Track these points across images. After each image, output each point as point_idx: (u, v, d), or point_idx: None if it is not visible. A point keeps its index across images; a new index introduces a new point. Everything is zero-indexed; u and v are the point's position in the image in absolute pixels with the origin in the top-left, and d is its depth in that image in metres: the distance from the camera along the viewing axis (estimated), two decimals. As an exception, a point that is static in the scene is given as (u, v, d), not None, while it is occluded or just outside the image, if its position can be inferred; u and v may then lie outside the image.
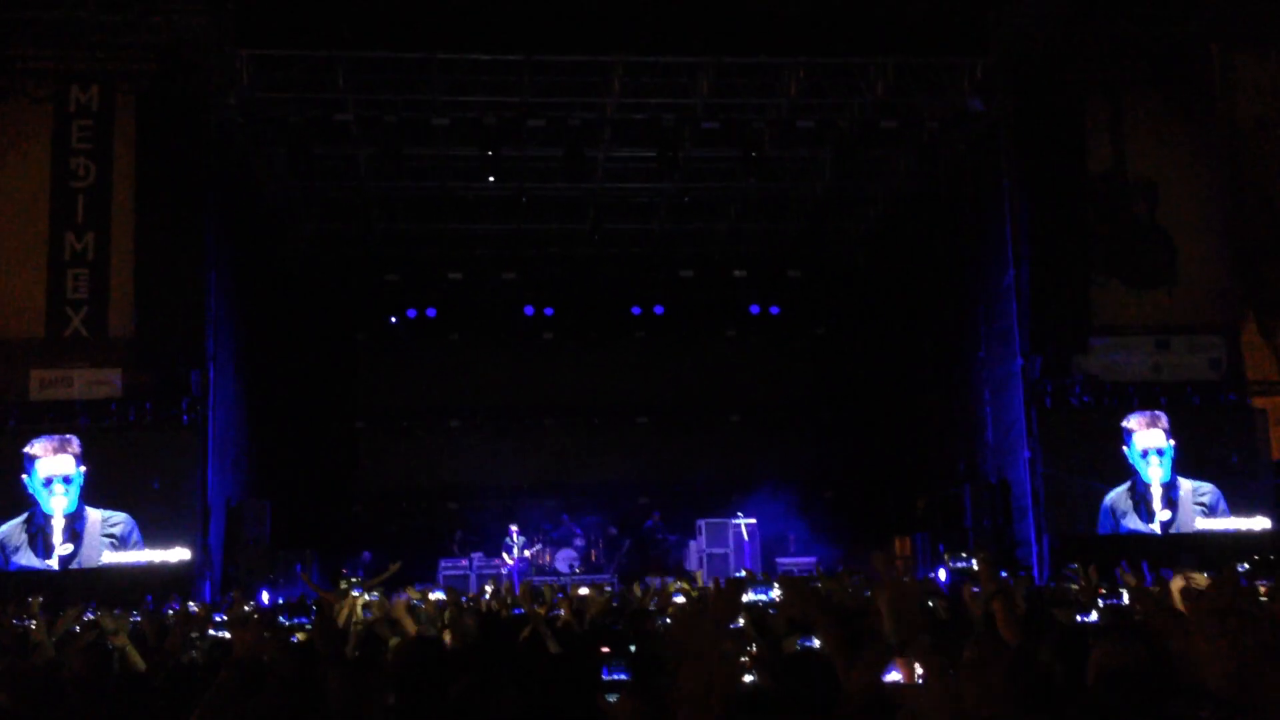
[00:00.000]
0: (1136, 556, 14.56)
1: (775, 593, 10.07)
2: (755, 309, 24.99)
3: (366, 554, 19.95)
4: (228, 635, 7.59)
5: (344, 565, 18.72)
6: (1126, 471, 17.44)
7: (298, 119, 17.57)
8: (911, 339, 22.35)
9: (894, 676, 3.76)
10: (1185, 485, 17.44)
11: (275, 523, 18.30)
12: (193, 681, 5.40)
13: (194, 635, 7.96)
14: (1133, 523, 17.28)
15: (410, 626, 6.99)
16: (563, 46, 16.97)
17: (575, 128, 18.08)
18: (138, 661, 5.48)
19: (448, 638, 7.20)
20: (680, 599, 10.40)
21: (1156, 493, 17.40)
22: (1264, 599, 7.21)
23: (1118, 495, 17.33)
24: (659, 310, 24.68)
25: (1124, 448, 17.49)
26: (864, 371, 24.72)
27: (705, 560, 20.11)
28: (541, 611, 9.21)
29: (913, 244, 22.11)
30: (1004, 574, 12.15)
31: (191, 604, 12.66)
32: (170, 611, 11.64)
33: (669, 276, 24.43)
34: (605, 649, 6.20)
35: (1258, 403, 18.78)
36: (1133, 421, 17.56)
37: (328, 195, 21.58)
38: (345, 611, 7.10)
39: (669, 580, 13.91)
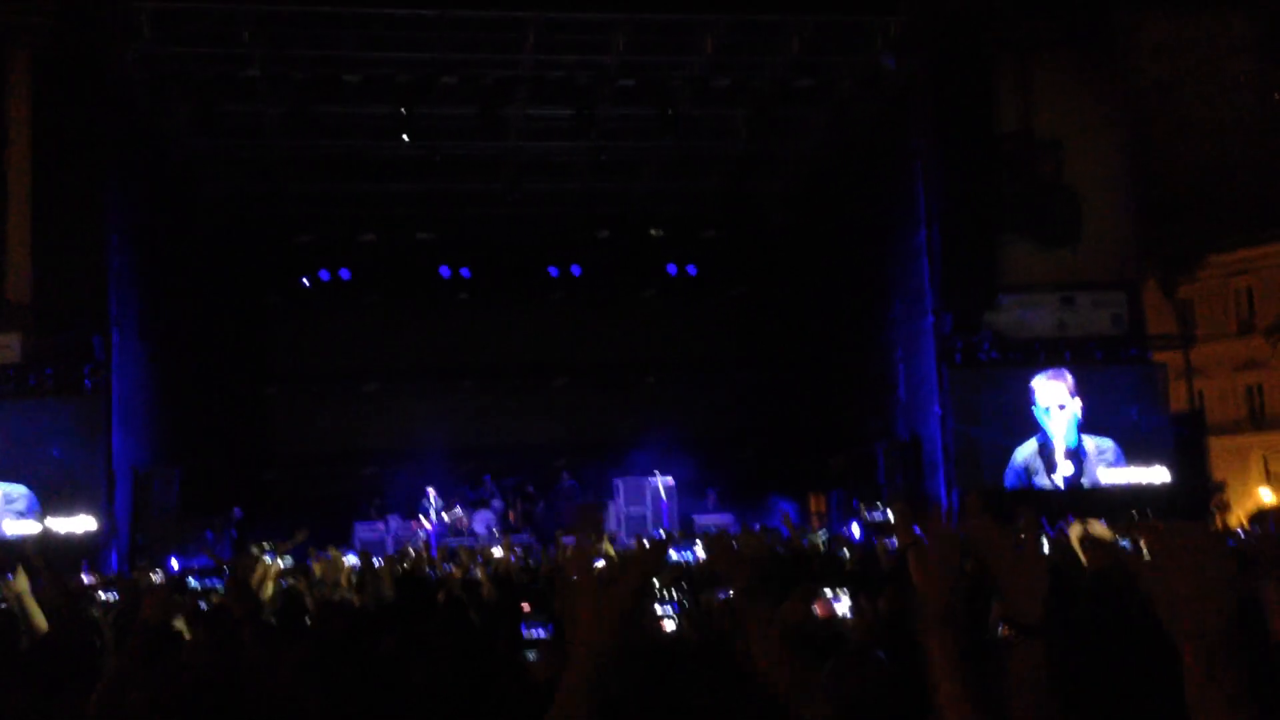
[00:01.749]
0: (1039, 510, 14.99)
1: (699, 550, 10.21)
2: (673, 269, 25.05)
3: (237, 510, 19.57)
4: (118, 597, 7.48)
5: (251, 531, 18.45)
6: (1034, 427, 17.85)
7: (203, 74, 17.12)
8: (828, 298, 22.58)
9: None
10: (1090, 443, 17.91)
11: (185, 490, 18.00)
12: (98, 641, 5.30)
13: (101, 598, 7.83)
14: (1042, 480, 17.72)
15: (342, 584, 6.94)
16: (477, 2, 16.72)
17: (490, 86, 17.88)
18: (39, 620, 5.36)
19: (357, 600, 7.17)
20: (599, 562, 10.45)
21: (1060, 448, 17.84)
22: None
23: (1029, 455, 17.73)
24: (576, 271, 24.63)
25: (1031, 407, 17.88)
26: (781, 331, 24.94)
27: (624, 520, 20.22)
28: (458, 574, 9.22)
29: (828, 203, 22.29)
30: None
31: (86, 576, 12.42)
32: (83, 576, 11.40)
33: (586, 237, 24.37)
34: (525, 606, 6.24)
35: (1158, 358, 19.36)
36: (1037, 380, 17.97)
37: (236, 154, 21.08)
38: (258, 576, 7.03)
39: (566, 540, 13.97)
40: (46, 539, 14.93)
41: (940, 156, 17.78)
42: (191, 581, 6.73)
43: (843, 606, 4.90)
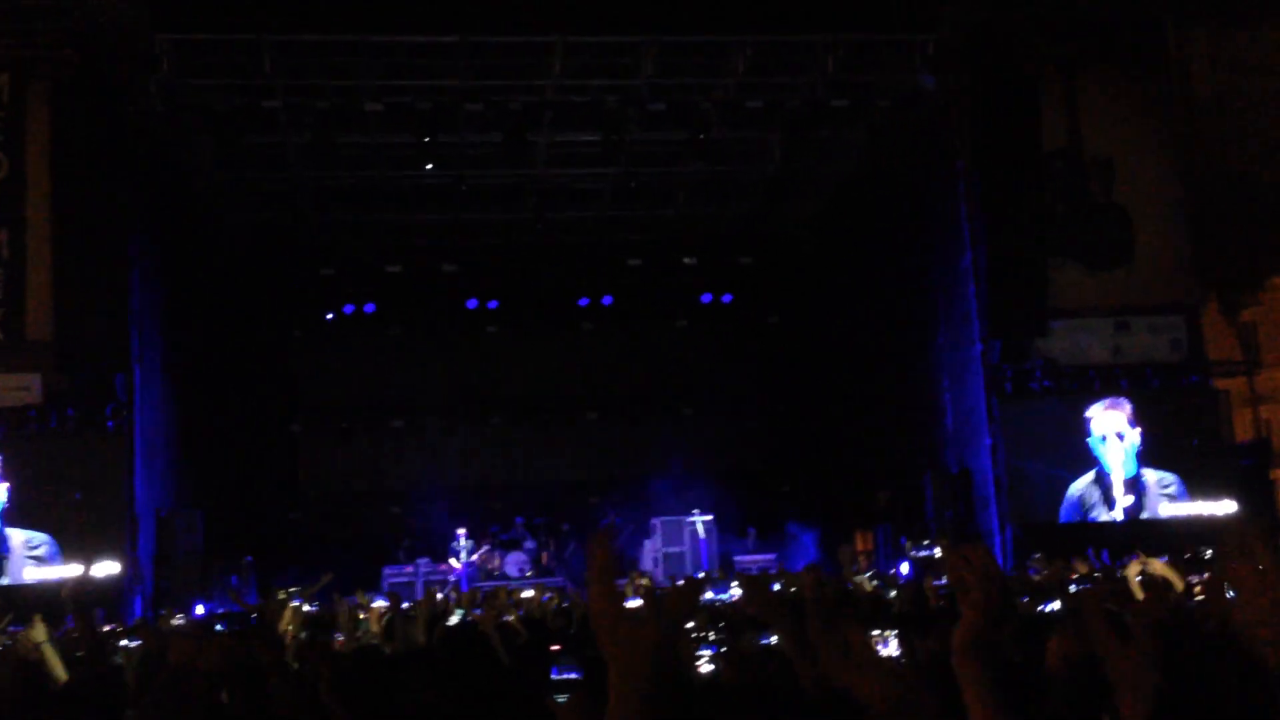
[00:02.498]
0: (1099, 545, 14.83)
1: (734, 591, 10.17)
2: (707, 297, 25.05)
3: (248, 558, 19.64)
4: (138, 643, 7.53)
5: (276, 575, 18.52)
6: (1090, 459, 17.67)
7: (223, 106, 17.35)
8: (868, 326, 22.48)
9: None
10: (1150, 476, 17.71)
11: (209, 532, 18.08)
12: (120, 690, 5.34)
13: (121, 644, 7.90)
14: (1100, 514, 17.53)
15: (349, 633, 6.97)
16: (500, 27, 16.87)
17: (515, 111, 18.00)
18: (58, 670, 5.41)
19: (388, 646, 7.19)
20: (635, 602, 10.43)
21: (1118, 478, 17.66)
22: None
23: (1085, 487, 17.55)
24: (607, 300, 24.68)
25: (1087, 437, 17.71)
26: (821, 360, 24.82)
27: (661, 559, 20.15)
28: (490, 616, 9.22)
29: (866, 227, 22.24)
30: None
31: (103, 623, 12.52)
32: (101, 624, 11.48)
33: (616, 265, 24.43)
34: (556, 647, 6.24)
35: (1220, 384, 19.14)
36: (1094, 409, 17.81)
37: (258, 186, 21.33)
38: (284, 622, 7.07)
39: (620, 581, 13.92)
40: (84, 584, 15.05)
41: (984, 176, 17.73)
42: (219, 627, 6.78)
43: (889, 650, 4.87)
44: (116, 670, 6.73)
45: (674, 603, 3.63)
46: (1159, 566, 7.61)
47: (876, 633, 4.94)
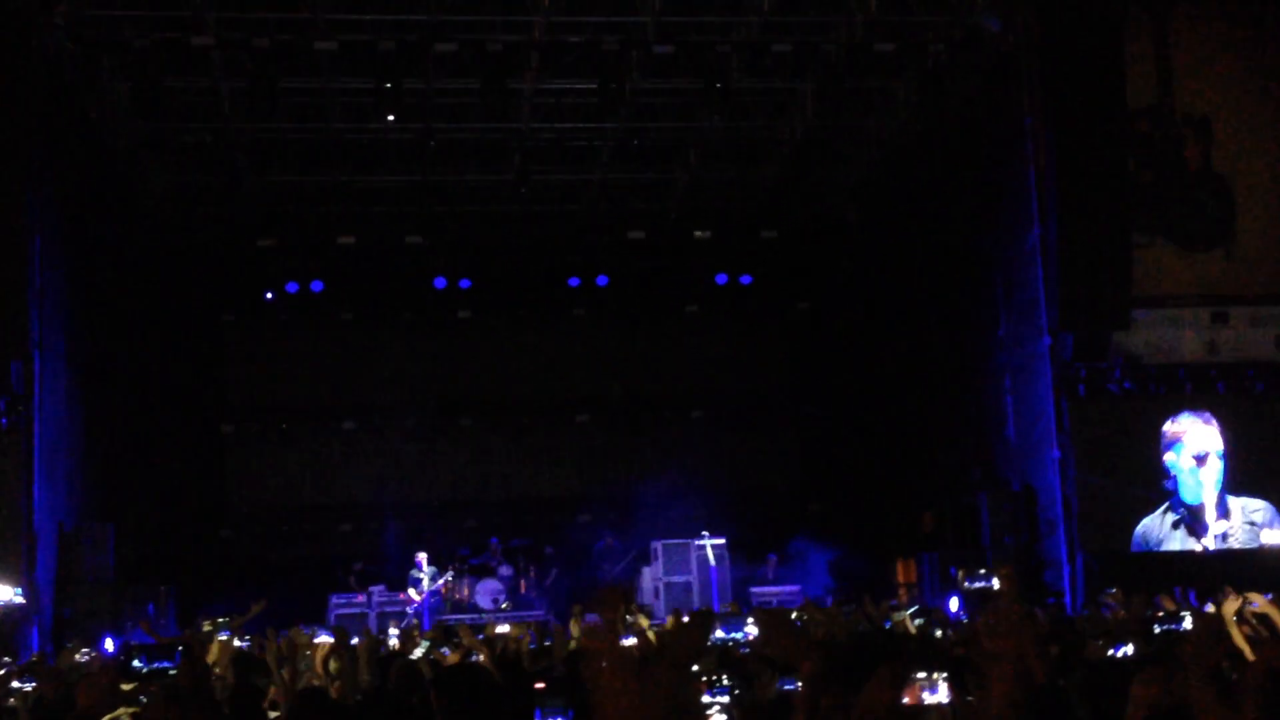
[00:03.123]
0: (1184, 579, 14.83)
1: (750, 630, 10.14)
2: (722, 279, 25.03)
3: (168, 583, 19.68)
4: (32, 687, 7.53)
5: (202, 606, 18.54)
6: (1167, 491, 17.69)
7: (143, 42, 17.31)
8: (914, 315, 22.49)
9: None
10: (1234, 502, 17.75)
11: (121, 552, 18.07)
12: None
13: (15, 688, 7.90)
14: (1181, 542, 17.54)
15: (283, 674, 6.97)
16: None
17: (495, 54, 17.97)
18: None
19: (334, 690, 7.19)
20: (630, 640, 10.44)
21: (1208, 503, 17.69)
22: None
23: (1151, 521, 17.60)
24: (602, 281, 24.67)
25: (1168, 455, 17.72)
26: (856, 355, 24.83)
27: (663, 590, 20.15)
28: (455, 658, 9.23)
29: (915, 198, 22.23)
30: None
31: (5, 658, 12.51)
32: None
33: (614, 239, 24.42)
34: (540, 685, 6.26)
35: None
36: (1181, 423, 17.81)
37: (184, 140, 21.31)
38: (211, 656, 7.07)
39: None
40: None
41: (1058, 138, 17.70)
42: (137, 663, 6.76)
43: (938, 695, 4.85)
44: (9, 716, 6.72)
45: (678, 642, 3.62)
46: (1263, 604, 7.60)
47: (923, 675, 4.93)
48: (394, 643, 13.12)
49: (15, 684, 8.40)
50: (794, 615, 10.69)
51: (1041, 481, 18.10)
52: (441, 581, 20.38)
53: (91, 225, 19.46)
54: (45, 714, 6.86)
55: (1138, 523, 17.57)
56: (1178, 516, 17.61)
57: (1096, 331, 17.90)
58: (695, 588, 20.12)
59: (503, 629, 12.63)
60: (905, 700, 4.86)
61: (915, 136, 21.64)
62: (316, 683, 7.83)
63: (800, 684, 6.52)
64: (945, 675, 4.88)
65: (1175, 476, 17.69)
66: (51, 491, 16.95)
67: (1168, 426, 17.80)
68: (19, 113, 16.40)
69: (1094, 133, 17.84)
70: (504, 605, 20.50)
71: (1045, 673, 5.50)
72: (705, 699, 6.42)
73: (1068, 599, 16.97)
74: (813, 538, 22.49)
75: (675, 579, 20.30)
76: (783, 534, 22.49)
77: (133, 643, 12.07)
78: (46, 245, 16.96)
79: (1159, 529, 17.61)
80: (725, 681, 6.81)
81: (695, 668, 6.26)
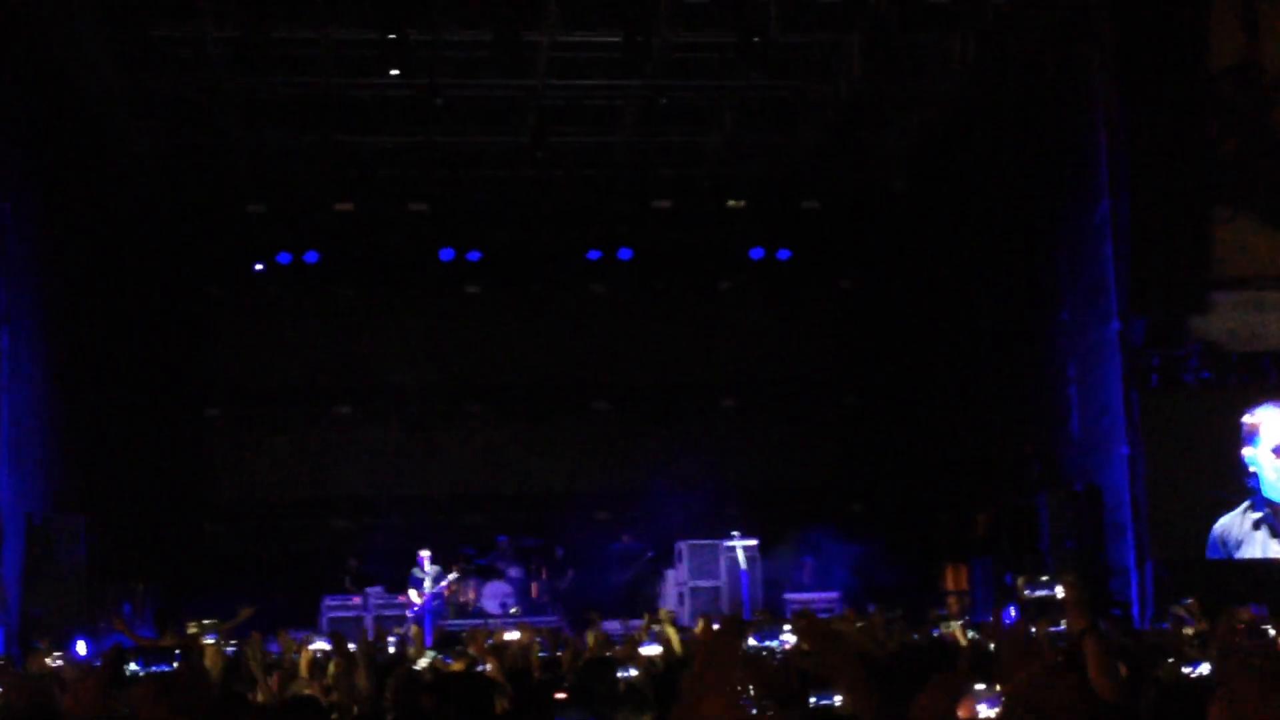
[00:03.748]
0: (1260, 593, 14.76)
1: (787, 638, 10.13)
2: (758, 253, 24.99)
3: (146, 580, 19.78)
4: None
5: (184, 606, 18.64)
6: (1248, 488, 17.58)
7: (124, -13, 17.35)
8: (968, 295, 22.43)
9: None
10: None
11: (95, 546, 18.16)
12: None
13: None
14: (1262, 548, 17.43)
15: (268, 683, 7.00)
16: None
17: (509, 2, 17.94)
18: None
19: (326, 699, 7.21)
20: (653, 648, 10.46)
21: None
22: None
23: (1229, 520, 17.48)
24: (625, 255, 24.66)
25: (1246, 449, 17.62)
26: (903, 339, 24.79)
27: (688, 595, 20.17)
28: (460, 666, 9.27)
29: (970, 166, 22.17)
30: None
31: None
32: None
33: (639, 209, 24.39)
34: (561, 696, 6.30)
35: None
36: (1260, 413, 17.70)
37: (169, 95, 21.33)
38: (208, 660, 7.11)
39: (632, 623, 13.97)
40: None
41: (1130, 101, 17.62)
42: (134, 667, 6.75)
43: (997, 709, 4.85)
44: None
45: (708, 651, 3.61)
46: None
47: (981, 687, 4.93)
48: (393, 649, 13.19)
49: None
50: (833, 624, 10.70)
51: (1108, 481, 18.03)
52: (445, 583, 20.42)
53: (67, 189, 19.53)
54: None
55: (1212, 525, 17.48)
56: (1260, 515, 17.48)
57: (1171, 315, 17.83)
58: (724, 593, 20.14)
59: (512, 636, 12.69)
60: (960, 714, 4.87)
61: (972, 99, 21.54)
62: (307, 691, 7.87)
63: (839, 698, 6.53)
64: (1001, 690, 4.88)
65: (1256, 473, 17.58)
66: (20, 479, 17.06)
67: (1246, 419, 17.69)
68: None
69: (1171, 95, 17.76)
70: (513, 610, 20.55)
71: (1112, 693, 5.48)
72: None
73: (1135, 610, 16.92)
74: (853, 540, 22.50)
75: (702, 583, 20.31)
76: (821, 535, 22.49)
77: (124, 645, 12.13)
78: (17, 210, 17.05)
79: (1238, 529, 17.50)
80: (751, 694, 6.82)
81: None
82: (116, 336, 21.77)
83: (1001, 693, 4.17)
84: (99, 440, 20.58)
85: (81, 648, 14.75)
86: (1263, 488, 17.60)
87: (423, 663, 9.27)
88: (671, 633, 10.81)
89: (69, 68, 19.52)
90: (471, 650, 10.98)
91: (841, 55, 20.79)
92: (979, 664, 7.62)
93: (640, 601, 21.05)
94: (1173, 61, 17.73)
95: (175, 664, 6.91)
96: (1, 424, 16.51)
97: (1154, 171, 17.57)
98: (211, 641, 8.73)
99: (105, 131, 21.71)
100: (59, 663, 11.32)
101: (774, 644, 9.92)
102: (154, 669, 7.56)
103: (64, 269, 19.27)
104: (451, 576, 20.61)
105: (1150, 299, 17.65)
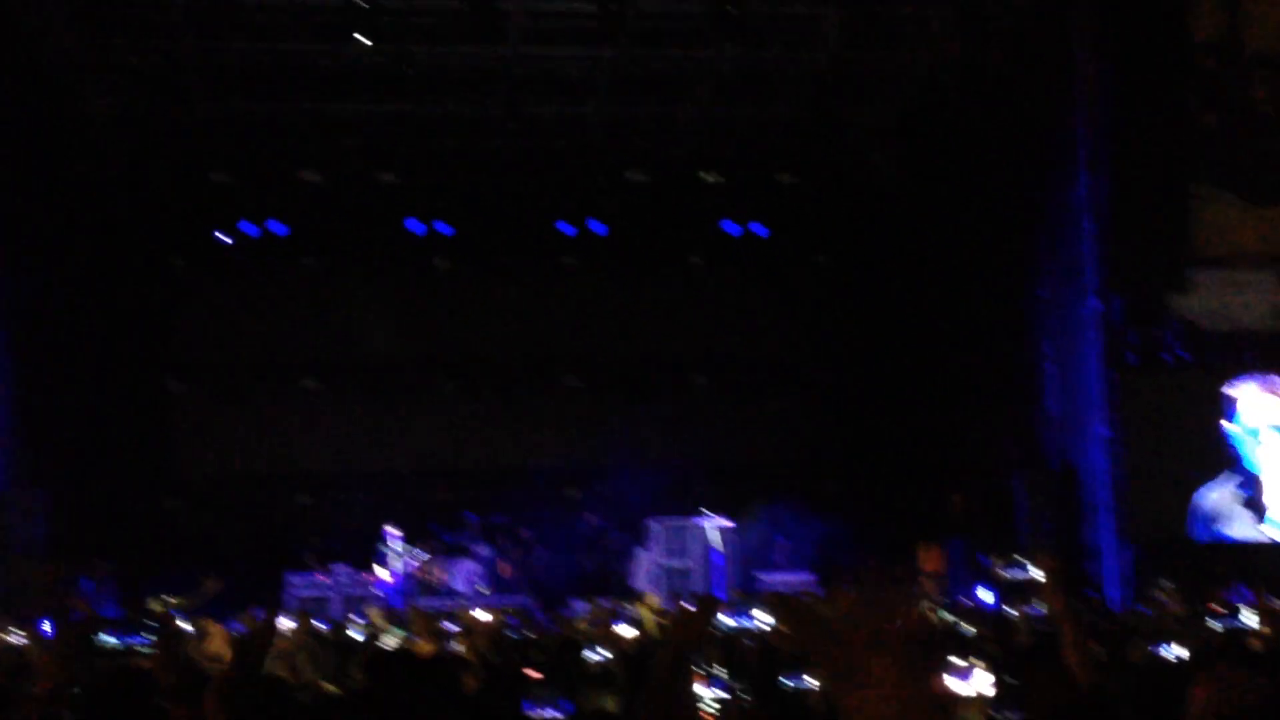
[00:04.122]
0: (1247, 572, 14.89)
1: (759, 618, 10.21)
2: (732, 228, 24.97)
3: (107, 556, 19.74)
4: None
5: (145, 582, 18.60)
6: (1229, 458, 17.68)
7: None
8: (945, 271, 22.47)
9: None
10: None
11: (55, 521, 18.10)
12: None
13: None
14: (1241, 529, 17.54)
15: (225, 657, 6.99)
16: None
17: (481, -32, 17.88)
18: None
19: (291, 677, 7.22)
20: (625, 629, 10.48)
21: (1274, 484, 17.68)
22: None
23: (1219, 495, 17.56)
24: (597, 228, 24.60)
25: (1227, 424, 17.72)
26: (879, 316, 24.84)
27: (661, 575, 20.20)
28: (427, 646, 9.28)
29: (949, 140, 22.19)
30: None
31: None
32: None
33: (612, 181, 24.35)
34: (536, 675, 6.32)
35: None
36: (1242, 389, 17.80)
37: (129, 59, 21.18)
38: (215, 648, 7.11)
39: (602, 602, 14.01)
40: None
41: (1110, 75, 17.65)
42: (106, 638, 6.73)
43: (973, 683, 4.88)
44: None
45: (681, 629, 3.63)
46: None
47: (959, 662, 4.97)
48: (360, 629, 13.20)
49: None
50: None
51: (1085, 460, 18.13)
52: (417, 564, 20.41)
53: (23, 155, 19.38)
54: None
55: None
56: (1246, 495, 17.58)
57: (1150, 293, 17.91)
58: (696, 574, 20.17)
59: (483, 616, 12.71)
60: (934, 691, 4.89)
61: (951, 72, 21.52)
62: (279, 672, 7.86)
63: (808, 678, 6.57)
64: (982, 663, 4.91)
65: (1240, 448, 17.68)
66: (-23, 453, 16.99)
67: (1226, 389, 17.77)
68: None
69: (1152, 69, 17.80)
70: (483, 589, 20.54)
71: (1088, 675, 5.52)
72: (701, 690, 6.46)
73: (1110, 592, 17.02)
74: (826, 519, 22.56)
75: (673, 563, 20.34)
76: (794, 514, 22.55)
77: (99, 615, 12.11)
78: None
79: (1227, 506, 17.57)
80: (723, 674, 6.85)
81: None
82: (76, 307, 21.65)
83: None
84: (58, 413, 20.48)
85: (47, 627, 14.73)
86: (1247, 460, 17.69)
87: (391, 642, 9.29)
88: (648, 615, 10.85)
89: (28, 31, 19.37)
90: (415, 632, 11.00)
91: (818, 26, 20.80)
92: (951, 645, 7.69)
93: (611, 580, 21.09)
94: (1154, 36, 17.76)
95: (152, 636, 6.91)
96: (-42, 396, 16.41)
97: (1133, 148, 17.63)
98: (183, 623, 8.70)
99: (65, 97, 21.54)
100: (21, 640, 11.31)
101: (746, 623, 9.99)
102: (131, 641, 7.55)
103: (22, 239, 19.13)
104: (424, 558, 20.60)
105: (1129, 277, 17.72)
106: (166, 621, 7.30)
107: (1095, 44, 17.84)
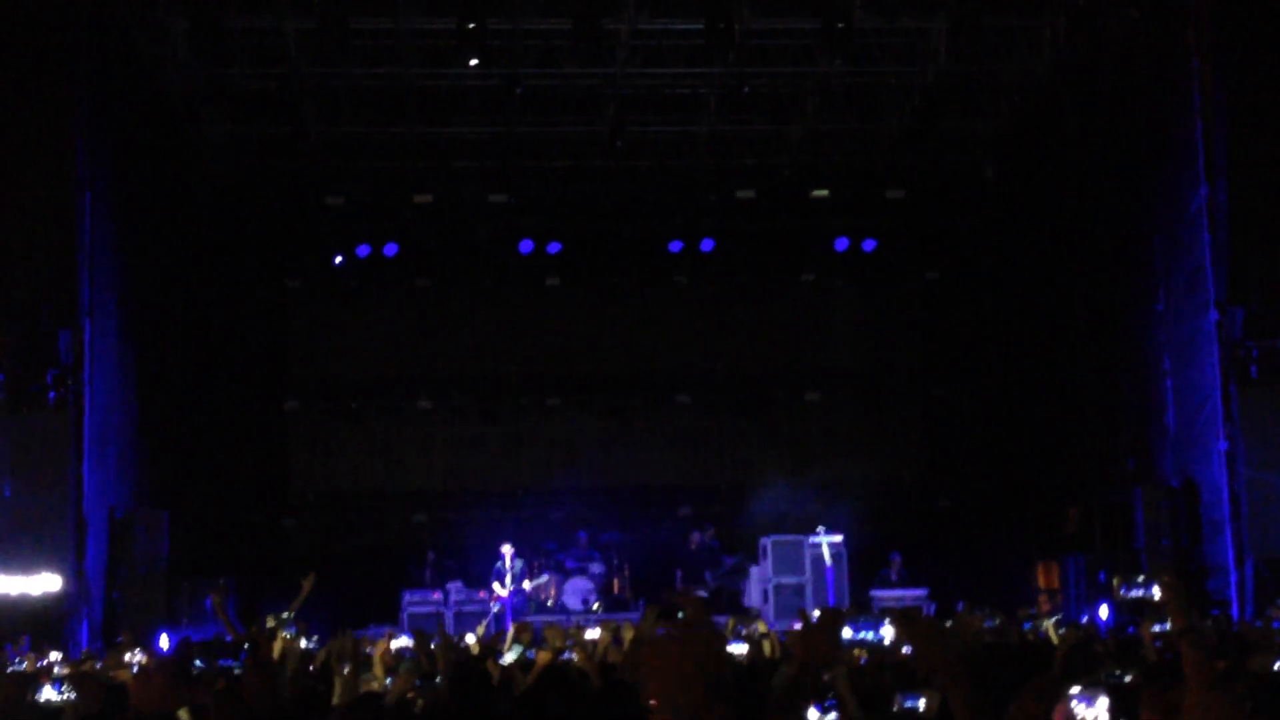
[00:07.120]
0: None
1: (886, 631, 10.10)
2: (842, 243, 24.85)
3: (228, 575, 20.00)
4: (71, 695, 7.63)
5: (263, 600, 18.82)
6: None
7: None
8: (1059, 285, 22.21)
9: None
10: None
11: (176, 540, 18.36)
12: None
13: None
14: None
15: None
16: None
17: (589, -11, 17.96)
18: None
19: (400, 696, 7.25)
20: (739, 647, 10.41)
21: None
22: None
23: None
24: (707, 246, 24.58)
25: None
26: (992, 330, 24.59)
27: (772, 592, 20.10)
28: (546, 657, 9.28)
29: (1060, 152, 21.94)
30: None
31: (54, 653, 12.74)
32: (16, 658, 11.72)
33: (721, 199, 24.33)
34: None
35: None
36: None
37: (247, 86, 21.53)
38: (280, 654, 7.16)
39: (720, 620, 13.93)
40: None
41: (1228, 83, 17.35)
42: (199, 664, 6.83)
43: (1094, 711, 4.77)
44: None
45: (808, 644, 3.53)
46: None
47: (1077, 690, 4.86)
48: (473, 645, 13.22)
49: (47, 692, 8.48)
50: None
51: (1205, 476, 17.79)
52: (535, 583, 20.49)
53: (145, 180, 19.73)
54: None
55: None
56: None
57: (1271, 305, 17.56)
58: (809, 590, 20.05)
59: (593, 634, 12.66)
60: (1055, 718, 4.81)
61: (1062, 82, 21.32)
62: (375, 686, 7.90)
63: (923, 702, 6.46)
64: (1103, 691, 4.80)
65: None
66: (102, 474, 17.22)
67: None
68: (66, 57, 16.64)
69: (1269, 76, 17.47)
70: (595, 606, 20.54)
71: (1208, 687, 5.40)
72: (812, 714, 6.38)
73: (1234, 611, 16.66)
74: (941, 536, 22.32)
75: (786, 580, 20.23)
76: (908, 531, 22.34)
77: (191, 640, 12.25)
78: (96, 202, 17.19)
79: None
80: (839, 695, 6.75)
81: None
82: (196, 329, 22.02)
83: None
84: (179, 434, 20.81)
85: (164, 642, 14.96)
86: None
87: (510, 657, 9.30)
88: (763, 630, 10.74)
89: (148, 59, 19.76)
90: (552, 645, 11.02)
91: (926, 40, 20.66)
92: (1079, 659, 7.55)
93: (724, 598, 21.02)
94: (1272, 41, 17.43)
95: (242, 659, 6.96)
96: (83, 417, 16.62)
97: (1253, 157, 17.30)
98: (288, 634, 8.76)
99: (184, 123, 21.96)
100: (141, 657, 11.47)
101: (872, 635, 9.89)
102: (223, 664, 7.62)
103: (144, 261, 19.46)
104: (541, 578, 20.68)
105: (1249, 288, 17.40)
106: (256, 641, 7.34)
107: (1211, 49, 17.54)
